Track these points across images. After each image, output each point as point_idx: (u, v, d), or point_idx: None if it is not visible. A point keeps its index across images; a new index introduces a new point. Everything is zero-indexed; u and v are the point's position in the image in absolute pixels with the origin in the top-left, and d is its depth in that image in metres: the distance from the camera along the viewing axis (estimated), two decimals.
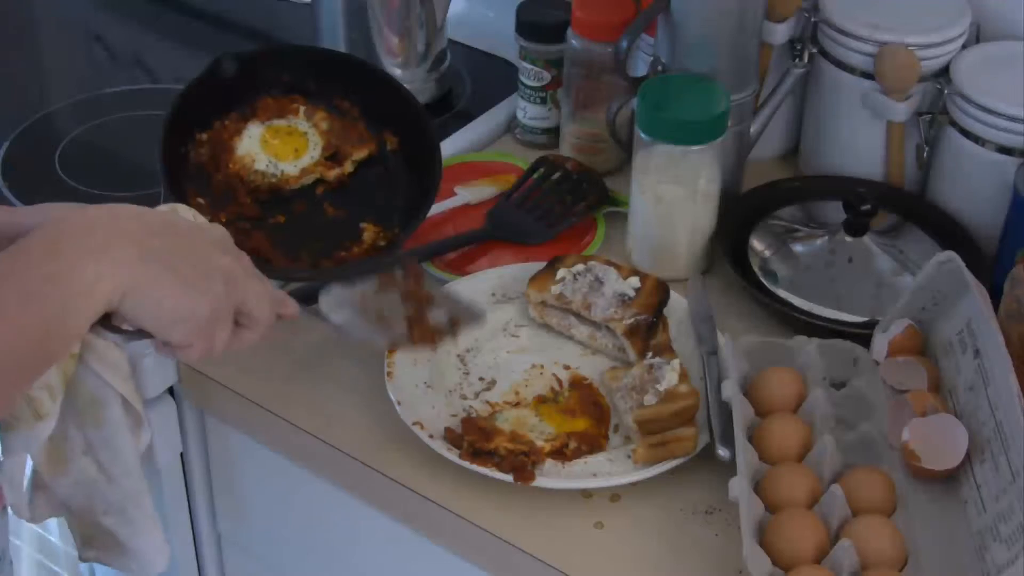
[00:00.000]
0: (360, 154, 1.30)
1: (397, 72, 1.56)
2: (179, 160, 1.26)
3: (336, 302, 1.09)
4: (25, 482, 1.12)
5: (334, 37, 1.55)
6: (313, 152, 1.29)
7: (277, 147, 1.27)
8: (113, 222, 0.88)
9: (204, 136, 1.26)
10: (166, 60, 1.72)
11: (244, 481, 1.33)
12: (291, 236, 1.25)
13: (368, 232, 1.28)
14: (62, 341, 0.87)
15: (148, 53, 1.73)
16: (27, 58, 1.75)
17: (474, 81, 1.63)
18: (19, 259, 0.85)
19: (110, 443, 1.10)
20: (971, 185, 1.34)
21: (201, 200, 1.25)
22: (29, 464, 1.12)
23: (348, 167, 1.30)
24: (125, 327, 0.92)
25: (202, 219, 1.08)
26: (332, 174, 1.29)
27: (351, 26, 1.53)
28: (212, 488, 1.37)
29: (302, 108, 1.29)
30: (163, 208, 1.08)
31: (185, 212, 1.11)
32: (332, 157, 1.30)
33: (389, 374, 1.20)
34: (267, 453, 1.26)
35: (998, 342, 1.07)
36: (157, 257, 0.88)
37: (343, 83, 1.32)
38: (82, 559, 1.17)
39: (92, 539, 1.15)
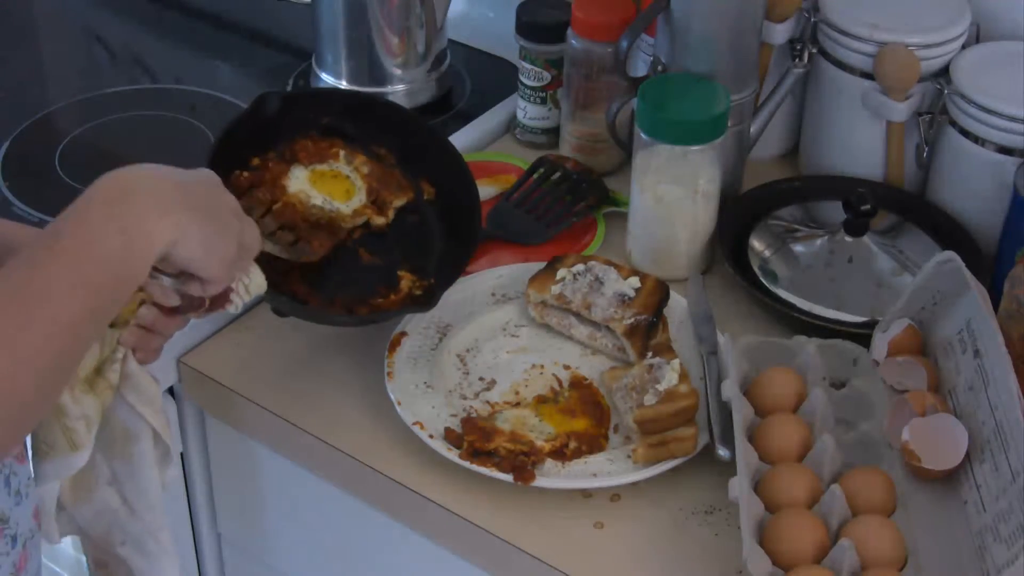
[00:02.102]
0: (399, 201, 1.28)
1: (397, 72, 1.56)
2: None
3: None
4: (53, 509, 1.12)
5: (334, 37, 1.55)
6: (360, 195, 1.26)
7: (328, 189, 1.26)
8: (158, 179, 0.97)
9: (244, 175, 1.25)
10: (166, 60, 1.72)
11: (244, 481, 1.33)
12: (326, 279, 1.23)
13: (405, 281, 1.25)
14: (129, 287, 0.96)
15: (148, 53, 1.73)
16: (27, 58, 1.75)
17: (474, 81, 1.63)
18: (91, 213, 0.93)
19: (136, 477, 1.10)
20: (971, 185, 1.34)
21: None
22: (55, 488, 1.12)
23: (390, 214, 1.27)
24: (167, 270, 1.01)
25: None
26: (377, 220, 1.27)
27: (351, 26, 1.54)
28: (212, 488, 1.37)
29: (342, 152, 1.27)
30: None
31: None
32: (374, 203, 1.28)
33: (389, 374, 1.20)
34: (267, 453, 1.26)
35: (998, 342, 1.07)
36: (194, 205, 0.97)
37: (381, 129, 1.30)
38: None
39: (105, 565, 1.15)
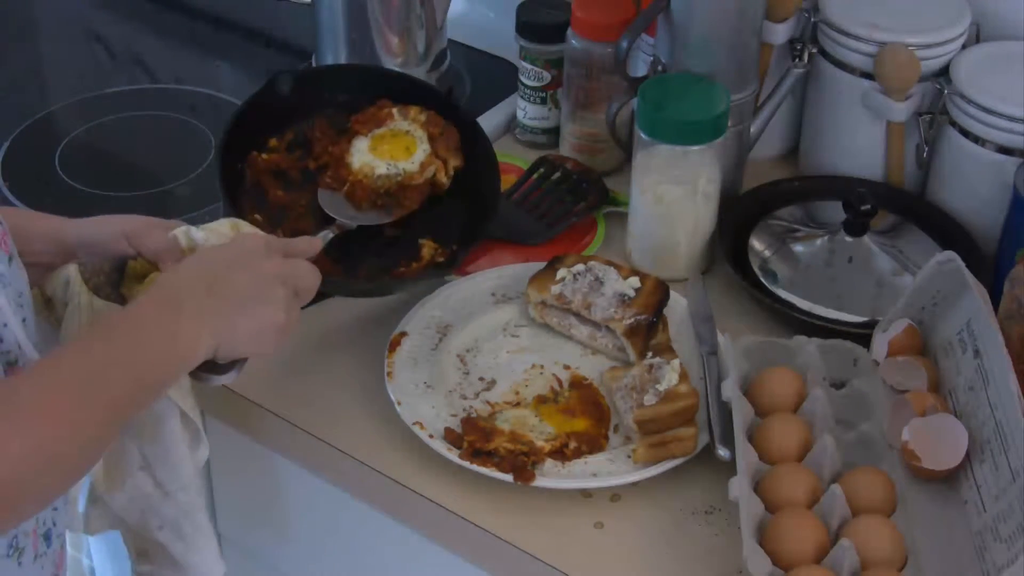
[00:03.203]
0: (455, 162, 1.29)
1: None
2: (235, 177, 1.26)
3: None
4: (82, 497, 1.12)
5: (334, 37, 1.55)
6: (423, 146, 1.28)
7: (389, 151, 1.27)
8: (199, 284, 1.00)
9: (263, 156, 1.26)
10: (166, 60, 1.72)
11: (244, 481, 1.33)
12: (349, 253, 1.24)
13: (426, 248, 1.27)
14: (167, 388, 1.03)
15: (148, 53, 1.73)
16: (27, 58, 1.76)
17: (474, 81, 1.63)
18: (144, 317, 0.98)
19: (167, 458, 1.11)
20: (971, 185, 1.34)
21: (258, 216, 1.25)
22: (86, 479, 1.12)
23: (449, 172, 1.28)
24: (220, 363, 1.03)
25: (260, 233, 1.14)
26: (442, 178, 1.28)
27: (351, 26, 1.53)
28: (212, 488, 1.37)
29: (394, 110, 1.29)
30: (224, 222, 1.13)
31: (246, 228, 1.12)
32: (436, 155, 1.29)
33: (389, 374, 1.20)
34: (267, 453, 1.26)
35: (998, 342, 1.07)
36: (233, 301, 1.01)
37: (399, 100, 1.31)
38: (136, 573, 1.17)
39: (146, 553, 1.15)
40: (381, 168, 1.25)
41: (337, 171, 1.26)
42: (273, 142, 1.27)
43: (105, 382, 0.93)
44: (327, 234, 1.19)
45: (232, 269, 1.02)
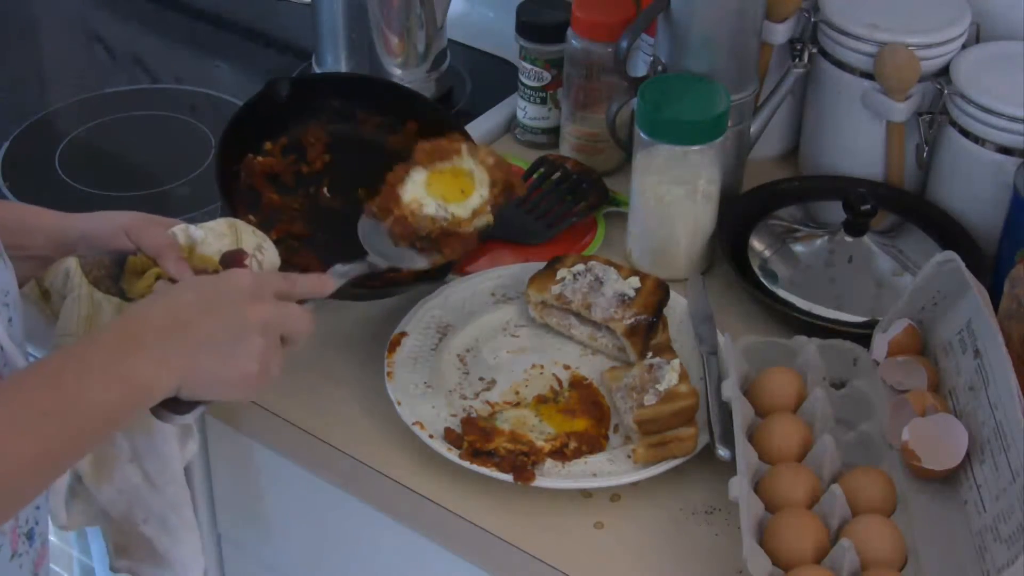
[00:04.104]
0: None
1: (397, 72, 1.56)
2: (231, 179, 1.26)
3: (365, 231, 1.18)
4: (63, 490, 1.13)
5: (334, 37, 1.55)
6: (482, 190, 1.21)
7: (443, 189, 1.21)
8: (166, 322, 0.96)
9: (258, 159, 1.26)
10: (166, 60, 1.72)
11: (244, 481, 1.33)
12: (341, 255, 1.23)
13: None
14: (122, 428, 1.02)
15: (148, 53, 1.73)
16: (27, 58, 1.76)
17: (474, 81, 1.63)
18: (96, 358, 0.93)
19: (158, 451, 1.11)
20: (971, 185, 1.34)
21: (252, 217, 1.24)
22: (67, 474, 1.12)
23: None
24: (184, 402, 0.99)
25: (260, 234, 1.13)
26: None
27: (351, 26, 1.54)
28: (212, 488, 1.37)
29: (464, 146, 1.22)
30: (222, 222, 1.12)
31: (244, 227, 1.12)
32: (503, 191, 1.23)
33: (389, 374, 1.20)
34: (267, 453, 1.26)
35: (998, 342, 1.07)
36: (201, 343, 0.96)
37: (392, 109, 1.31)
38: (113, 569, 1.17)
39: (126, 548, 1.15)
40: (430, 207, 1.19)
41: (386, 200, 1.20)
42: (268, 145, 1.28)
43: (39, 435, 0.89)
44: (352, 268, 1.13)
45: (207, 311, 0.97)
